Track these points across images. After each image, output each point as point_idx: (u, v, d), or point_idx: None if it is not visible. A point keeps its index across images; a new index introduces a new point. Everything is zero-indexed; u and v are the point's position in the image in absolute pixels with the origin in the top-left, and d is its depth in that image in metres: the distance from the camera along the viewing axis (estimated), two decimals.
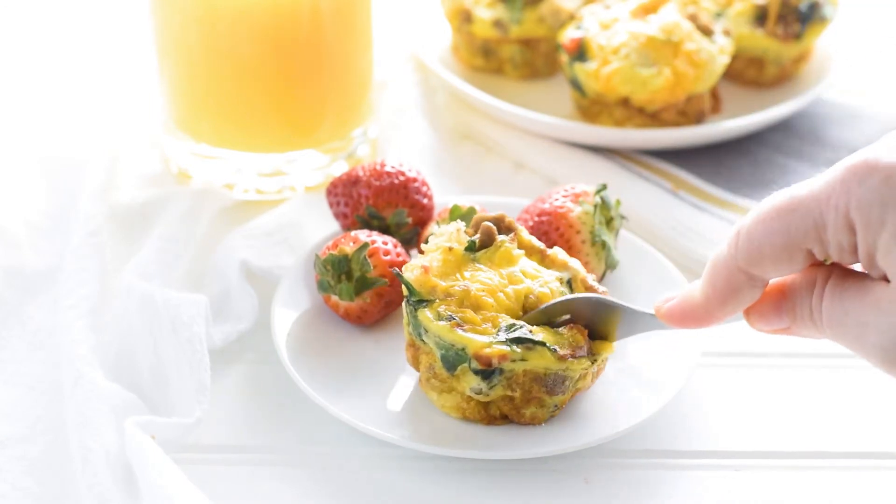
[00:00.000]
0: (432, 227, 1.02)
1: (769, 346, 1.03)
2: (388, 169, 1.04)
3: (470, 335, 0.88)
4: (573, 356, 0.88)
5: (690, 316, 0.80)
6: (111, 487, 0.84)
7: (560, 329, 0.90)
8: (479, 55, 1.33)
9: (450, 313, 0.89)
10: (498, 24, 1.30)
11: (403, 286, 0.91)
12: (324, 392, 0.92)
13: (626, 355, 0.97)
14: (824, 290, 0.74)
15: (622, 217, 1.04)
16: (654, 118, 1.22)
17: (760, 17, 1.28)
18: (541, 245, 0.95)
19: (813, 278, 0.76)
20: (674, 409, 0.96)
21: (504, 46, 1.32)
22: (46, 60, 1.35)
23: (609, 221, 1.03)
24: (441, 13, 1.35)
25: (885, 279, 0.71)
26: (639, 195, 1.17)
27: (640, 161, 1.23)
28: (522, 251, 0.94)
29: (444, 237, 0.94)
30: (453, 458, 0.91)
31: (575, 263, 0.95)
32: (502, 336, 0.88)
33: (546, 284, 0.92)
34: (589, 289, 0.93)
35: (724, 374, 1.00)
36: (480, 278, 0.91)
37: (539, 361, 0.87)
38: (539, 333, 0.88)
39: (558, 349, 0.88)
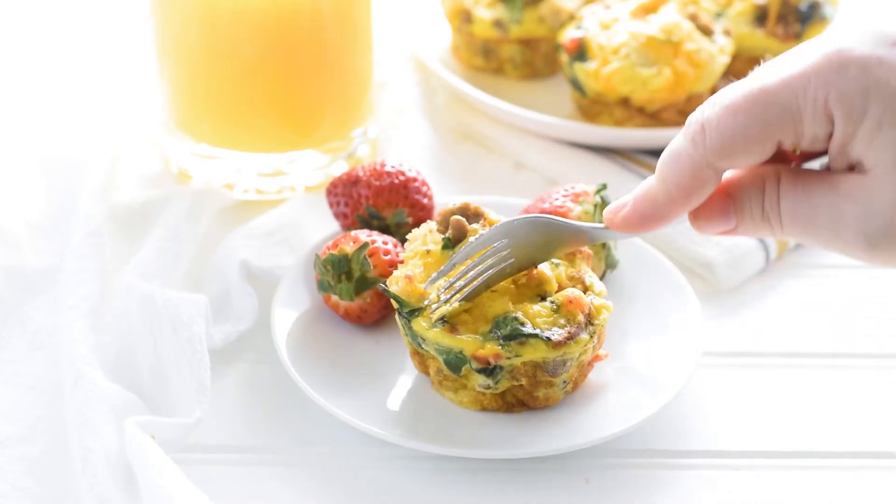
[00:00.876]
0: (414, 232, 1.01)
1: (769, 346, 1.03)
2: (388, 169, 1.04)
3: (463, 336, 0.88)
4: (570, 338, 0.88)
5: (652, 218, 0.78)
6: (111, 487, 0.84)
7: (554, 300, 0.89)
8: (479, 55, 1.33)
9: (442, 317, 0.89)
10: (498, 24, 1.30)
11: (392, 300, 0.91)
12: (324, 392, 0.92)
13: (626, 355, 0.97)
14: (779, 188, 0.73)
15: None
16: (654, 118, 1.22)
17: (760, 17, 1.28)
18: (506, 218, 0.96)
19: (760, 176, 0.74)
20: (674, 409, 0.96)
21: (504, 46, 1.32)
22: (46, 60, 1.35)
23: None
24: (441, 13, 1.35)
25: (851, 169, 0.71)
26: None
27: (640, 161, 1.23)
28: None
29: (418, 241, 0.94)
30: (453, 458, 0.91)
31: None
32: (495, 333, 0.88)
33: None
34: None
35: (724, 374, 1.00)
36: None
37: (534, 354, 0.88)
38: (530, 322, 0.88)
39: (552, 336, 0.88)
